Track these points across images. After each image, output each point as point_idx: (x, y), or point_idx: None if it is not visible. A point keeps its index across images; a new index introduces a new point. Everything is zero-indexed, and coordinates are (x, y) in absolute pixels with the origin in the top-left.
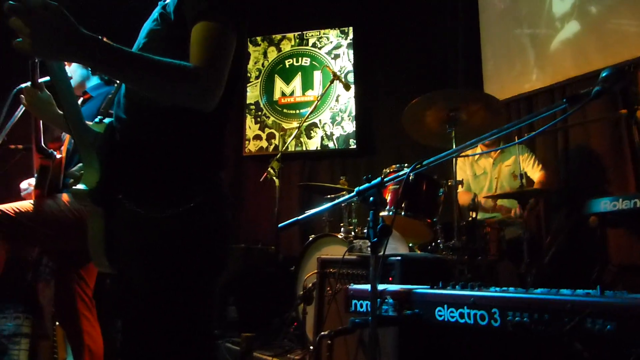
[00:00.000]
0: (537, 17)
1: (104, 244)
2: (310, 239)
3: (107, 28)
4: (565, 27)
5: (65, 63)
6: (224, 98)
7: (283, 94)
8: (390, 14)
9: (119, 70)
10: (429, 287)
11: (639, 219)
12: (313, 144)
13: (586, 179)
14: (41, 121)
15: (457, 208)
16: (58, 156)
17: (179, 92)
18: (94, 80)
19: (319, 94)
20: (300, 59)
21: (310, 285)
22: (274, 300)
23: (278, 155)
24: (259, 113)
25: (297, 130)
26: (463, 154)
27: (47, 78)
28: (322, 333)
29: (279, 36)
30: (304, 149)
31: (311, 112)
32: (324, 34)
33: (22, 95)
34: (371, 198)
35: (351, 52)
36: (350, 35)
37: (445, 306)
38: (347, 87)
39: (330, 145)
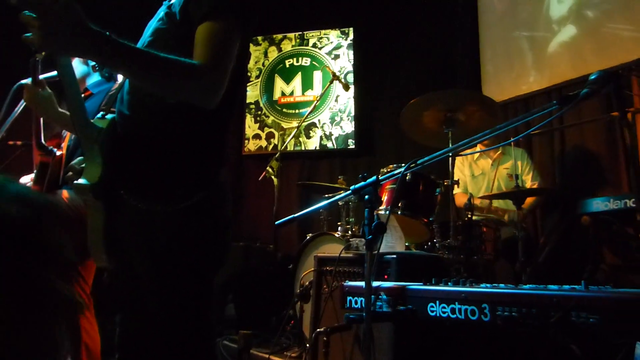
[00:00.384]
0: (536, 20)
1: (103, 239)
2: (308, 237)
3: (112, 25)
4: (563, 31)
5: None
6: (227, 97)
7: (283, 94)
8: (391, 16)
9: (126, 66)
10: (422, 283)
11: (630, 219)
12: (312, 144)
13: (581, 179)
14: (41, 118)
15: (454, 207)
16: (58, 153)
17: (183, 88)
18: (95, 77)
19: (318, 94)
20: (300, 58)
21: (307, 283)
22: (272, 298)
23: (277, 155)
24: (259, 112)
25: (296, 129)
26: (460, 153)
27: (49, 75)
28: (319, 330)
29: (279, 36)
30: (303, 148)
31: (310, 112)
32: (324, 34)
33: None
34: (367, 196)
35: (351, 52)
36: (351, 36)
37: (437, 302)
38: (346, 87)
39: (329, 145)
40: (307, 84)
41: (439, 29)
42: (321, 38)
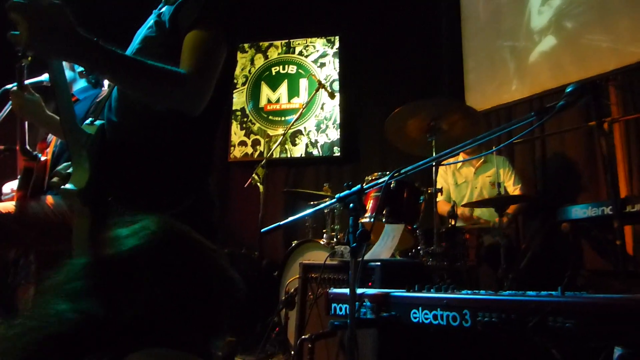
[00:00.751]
0: (517, 30)
1: (88, 245)
2: (294, 244)
3: (101, 32)
4: (543, 41)
5: None
6: (214, 105)
7: (269, 101)
8: (376, 25)
9: (113, 72)
10: (405, 290)
11: (608, 226)
12: (298, 151)
13: (562, 187)
14: (26, 123)
15: (437, 215)
16: (43, 158)
17: (168, 94)
18: (81, 83)
19: (304, 101)
20: (286, 66)
21: (292, 290)
22: (256, 305)
23: (263, 162)
24: (245, 119)
25: (282, 137)
26: (443, 162)
27: (34, 80)
28: (303, 337)
29: (266, 43)
30: (289, 155)
31: (296, 120)
32: (310, 42)
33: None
34: (351, 204)
35: (337, 61)
36: (337, 45)
37: (420, 308)
38: (332, 95)
39: (315, 152)
40: (293, 92)
41: (424, 38)
42: (307, 46)
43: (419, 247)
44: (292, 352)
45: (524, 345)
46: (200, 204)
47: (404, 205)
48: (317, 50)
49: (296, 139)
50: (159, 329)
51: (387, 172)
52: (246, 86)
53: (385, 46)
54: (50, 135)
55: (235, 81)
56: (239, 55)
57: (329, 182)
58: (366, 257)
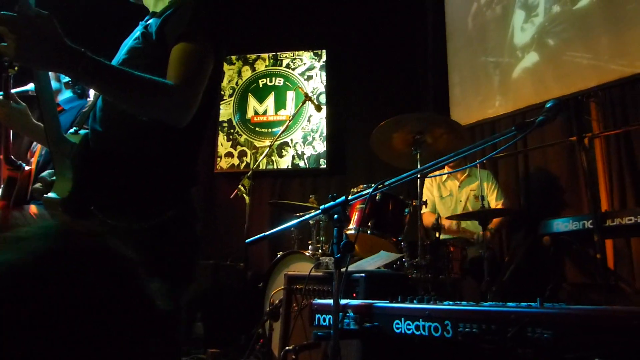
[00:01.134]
0: (501, 46)
1: None
2: (279, 255)
3: (86, 43)
4: (526, 57)
5: None
6: (199, 117)
7: (256, 113)
8: (363, 39)
9: (100, 82)
10: (388, 301)
11: (589, 239)
12: (284, 163)
13: (545, 201)
14: (10, 132)
15: (422, 227)
16: (27, 168)
17: (155, 106)
18: (67, 94)
19: (291, 113)
20: (273, 78)
21: (277, 301)
22: (241, 317)
23: (249, 173)
24: (232, 131)
25: (268, 148)
26: (429, 175)
27: (19, 90)
28: (287, 348)
29: (253, 56)
30: (275, 167)
31: (283, 131)
32: (297, 55)
33: None
34: (335, 216)
35: (324, 74)
36: (324, 58)
37: (403, 319)
38: (318, 108)
39: (301, 164)
40: (280, 104)
41: (410, 53)
42: (294, 59)
43: (403, 259)
44: None
45: (505, 356)
46: (184, 214)
47: (389, 218)
48: (304, 63)
49: (283, 150)
50: None
51: (373, 185)
52: (233, 98)
53: (372, 60)
54: (34, 144)
55: (222, 93)
56: (227, 67)
57: (315, 194)
58: (351, 267)
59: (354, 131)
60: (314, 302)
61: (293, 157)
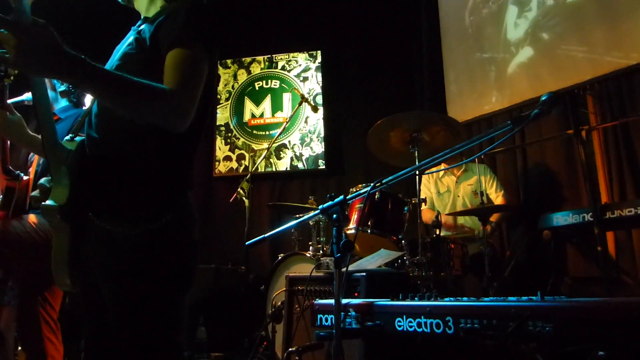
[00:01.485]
0: (495, 42)
1: (67, 262)
2: (280, 257)
3: (79, 48)
4: (521, 53)
5: None
6: (195, 121)
7: (253, 116)
8: (357, 39)
9: (99, 88)
10: (389, 299)
11: (589, 232)
12: (283, 165)
13: (544, 195)
14: (8, 142)
15: (422, 225)
16: (25, 178)
17: (154, 111)
18: (62, 103)
19: (288, 115)
20: (269, 81)
21: (279, 303)
22: (244, 320)
23: (248, 176)
24: (229, 134)
25: (266, 151)
26: (426, 171)
27: (15, 100)
28: (290, 349)
29: (249, 59)
30: (274, 169)
31: (280, 134)
32: (293, 57)
33: None
34: (334, 215)
35: (319, 75)
36: (319, 59)
37: (404, 316)
38: (315, 109)
39: (300, 165)
40: (276, 106)
41: (405, 51)
42: (290, 61)
43: (404, 257)
44: None
45: (508, 351)
46: (181, 218)
47: (389, 216)
48: (300, 65)
49: (281, 152)
50: None
51: (371, 184)
52: (230, 101)
53: (367, 59)
54: (32, 154)
55: (218, 97)
56: (222, 70)
57: (314, 195)
58: (351, 267)
59: (352, 131)
60: (315, 302)
61: (291, 159)
